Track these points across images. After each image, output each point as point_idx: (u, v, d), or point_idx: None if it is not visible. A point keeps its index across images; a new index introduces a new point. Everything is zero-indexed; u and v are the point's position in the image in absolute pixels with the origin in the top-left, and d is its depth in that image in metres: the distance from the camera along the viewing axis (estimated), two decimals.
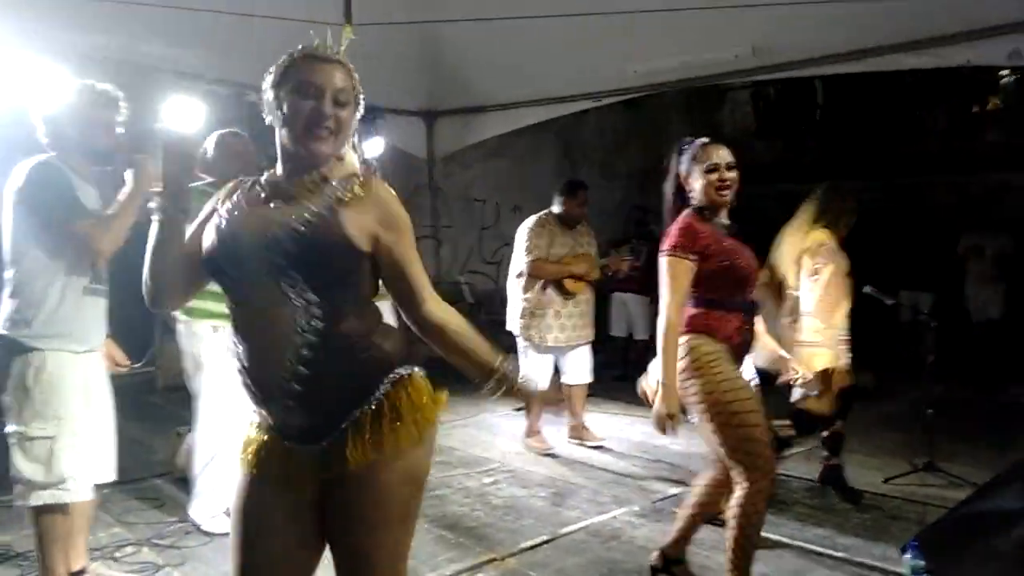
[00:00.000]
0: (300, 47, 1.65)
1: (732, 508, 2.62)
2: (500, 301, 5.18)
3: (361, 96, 1.69)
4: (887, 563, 3.17)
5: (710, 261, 2.62)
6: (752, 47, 4.72)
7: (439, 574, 3.06)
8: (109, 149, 2.67)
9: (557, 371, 5.01)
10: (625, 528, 3.58)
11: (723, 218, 2.76)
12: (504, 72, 5.95)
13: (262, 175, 1.73)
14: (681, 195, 2.79)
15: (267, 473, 1.65)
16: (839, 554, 3.28)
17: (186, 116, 4.56)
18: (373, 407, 1.62)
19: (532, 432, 4.95)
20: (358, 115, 1.70)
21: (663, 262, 2.65)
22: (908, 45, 4.34)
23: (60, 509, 2.61)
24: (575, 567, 3.16)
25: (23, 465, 2.57)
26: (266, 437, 1.67)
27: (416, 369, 1.72)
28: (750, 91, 10.19)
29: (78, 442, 2.61)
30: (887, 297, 4.43)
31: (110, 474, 2.80)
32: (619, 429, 5.37)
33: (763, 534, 3.37)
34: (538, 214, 4.96)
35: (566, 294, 4.85)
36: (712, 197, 2.70)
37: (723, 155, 2.73)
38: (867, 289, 4.28)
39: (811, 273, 3.71)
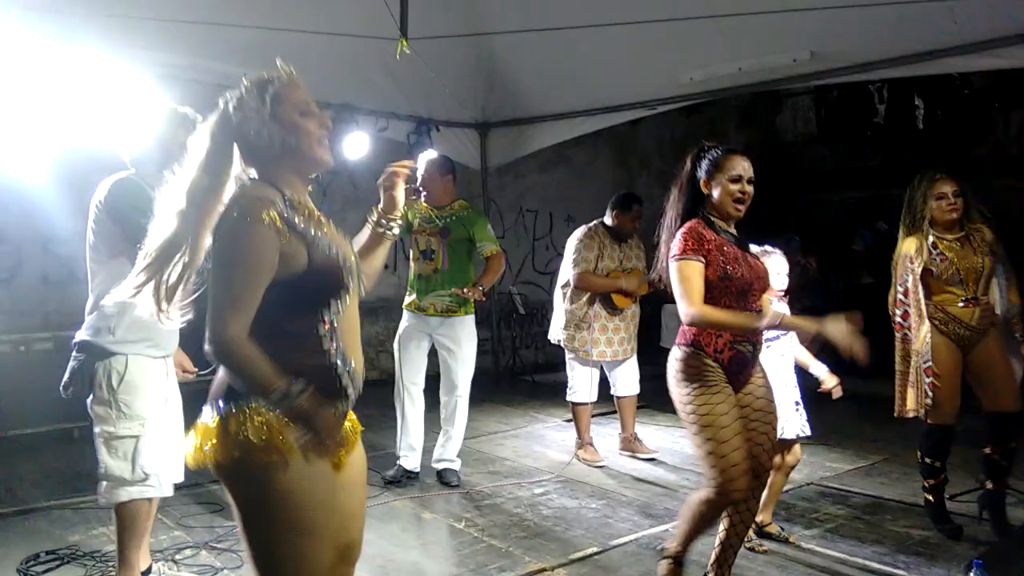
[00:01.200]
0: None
1: (689, 499, 2.74)
2: (553, 312, 5.17)
3: None
4: None
5: (709, 267, 2.62)
6: (811, 51, 4.61)
7: None
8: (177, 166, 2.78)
9: (604, 382, 4.98)
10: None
11: (731, 227, 2.76)
12: (557, 82, 5.96)
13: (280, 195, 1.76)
14: (694, 200, 2.76)
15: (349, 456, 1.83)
16: (899, 572, 3.16)
17: None
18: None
19: (584, 444, 4.90)
20: None
21: (673, 267, 2.64)
22: (974, 46, 4.18)
23: (143, 506, 2.75)
24: None
25: (110, 463, 2.71)
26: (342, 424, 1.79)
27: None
28: (811, 96, 9.98)
29: (158, 442, 2.74)
30: None
31: (179, 475, 2.90)
32: (671, 441, 5.30)
33: (821, 549, 3.35)
34: (588, 224, 4.91)
35: (613, 309, 4.79)
36: (728, 208, 2.71)
37: (746, 167, 2.72)
38: None
39: (901, 290, 3.56)
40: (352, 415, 1.87)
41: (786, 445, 3.34)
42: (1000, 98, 8.56)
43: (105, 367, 2.71)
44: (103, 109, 3.94)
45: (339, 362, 1.73)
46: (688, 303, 2.60)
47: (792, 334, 3.25)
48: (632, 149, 9.51)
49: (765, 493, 3.41)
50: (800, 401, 3.32)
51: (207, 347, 1.59)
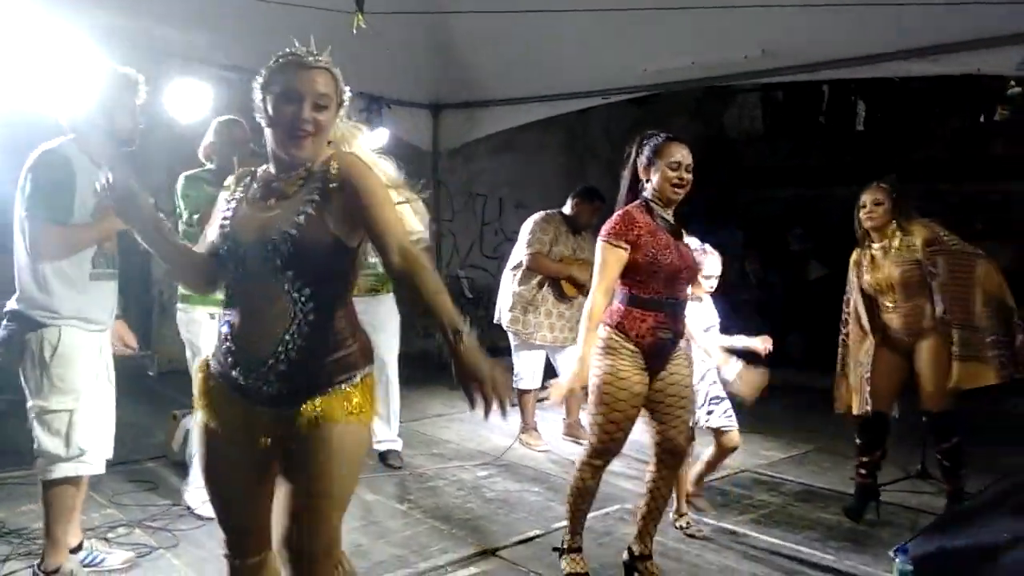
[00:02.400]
0: (288, 51, 1.78)
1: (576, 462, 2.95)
2: (499, 294, 5.17)
3: (346, 95, 1.86)
4: (877, 567, 3.17)
5: (638, 252, 2.73)
6: (762, 49, 4.70)
7: (432, 564, 3.07)
8: (131, 132, 2.69)
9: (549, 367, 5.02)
10: (617, 525, 3.58)
11: (668, 215, 2.85)
12: (513, 66, 5.93)
13: (260, 164, 1.90)
14: (635, 186, 2.88)
15: (230, 422, 1.82)
16: (828, 558, 3.27)
17: (193, 101, 4.57)
18: (334, 394, 1.77)
19: (527, 429, 4.94)
20: (341, 112, 1.86)
21: (598, 247, 2.79)
22: (918, 51, 4.32)
23: (74, 482, 2.67)
24: None
25: (44, 438, 2.62)
26: (228, 393, 1.82)
27: (369, 369, 1.87)
28: (759, 94, 10.18)
29: (93, 417, 2.65)
30: None
31: (109, 452, 2.82)
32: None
33: (755, 534, 3.45)
34: (548, 211, 4.95)
35: (562, 296, 4.83)
36: (667, 193, 2.80)
37: (685, 155, 2.81)
38: None
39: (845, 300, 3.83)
40: (312, 410, 1.74)
41: (714, 433, 3.47)
42: (939, 103, 8.88)
43: (38, 338, 2.60)
44: (40, 70, 3.77)
45: (224, 332, 1.81)
46: (595, 287, 2.77)
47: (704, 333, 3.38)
48: (581, 137, 9.55)
49: (678, 482, 3.43)
50: (720, 396, 3.41)
51: None
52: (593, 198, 4.91)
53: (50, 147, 2.61)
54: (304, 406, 1.75)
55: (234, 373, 1.78)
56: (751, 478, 4.24)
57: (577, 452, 4.74)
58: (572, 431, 5.09)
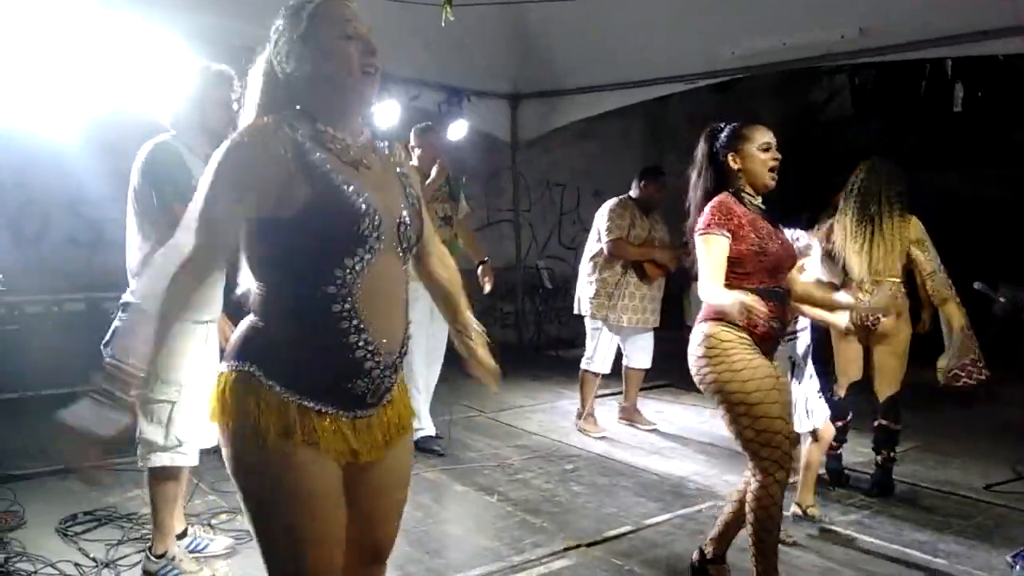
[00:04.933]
0: None
1: (749, 503, 2.55)
2: (578, 285, 5.15)
3: None
4: (992, 572, 3.01)
5: (741, 242, 2.53)
6: (859, 27, 4.49)
7: (524, 558, 3.05)
8: (226, 126, 2.74)
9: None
10: (710, 523, 3.49)
11: (760, 202, 2.68)
12: (592, 54, 5.86)
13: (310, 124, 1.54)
14: (718, 179, 2.68)
15: (328, 448, 1.52)
16: (940, 561, 3.12)
17: None
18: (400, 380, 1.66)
19: (585, 415, 4.96)
20: None
21: (698, 242, 2.56)
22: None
23: (173, 471, 2.75)
24: (660, 559, 3.10)
25: (144, 427, 2.72)
26: (319, 413, 1.51)
27: None
28: (847, 74, 9.77)
29: (193, 408, 2.72)
30: (998, 294, 4.19)
31: (208, 442, 2.89)
32: (700, 421, 5.26)
33: (858, 535, 3.31)
34: (619, 197, 4.96)
35: (644, 278, 4.83)
36: (764, 178, 2.63)
37: (771, 135, 2.67)
38: (977, 285, 4.06)
39: None
40: (401, 405, 1.65)
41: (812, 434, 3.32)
42: None
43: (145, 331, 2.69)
44: (136, 71, 3.91)
45: (352, 331, 1.48)
46: (705, 280, 2.51)
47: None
48: (662, 124, 9.35)
49: (803, 474, 3.40)
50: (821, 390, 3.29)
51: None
52: (658, 176, 4.93)
53: (159, 141, 2.71)
54: (390, 406, 1.62)
55: (360, 380, 1.51)
56: (851, 476, 4.07)
57: (638, 438, 4.85)
58: (628, 415, 5.17)
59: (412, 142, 4.37)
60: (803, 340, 3.24)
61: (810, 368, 3.26)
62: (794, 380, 3.16)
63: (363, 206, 1.47)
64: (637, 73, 6.00)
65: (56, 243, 5.72)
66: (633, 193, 4.94)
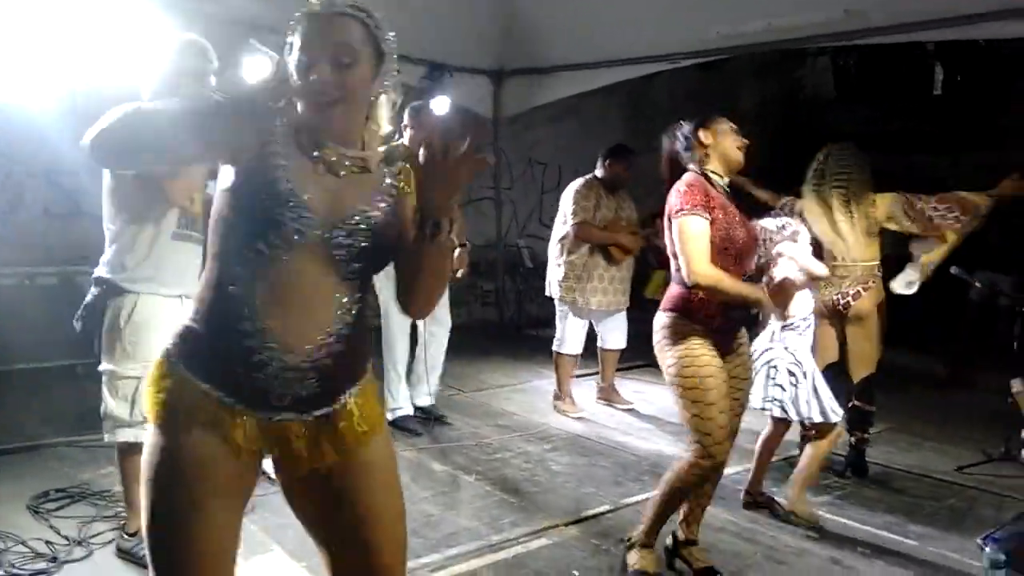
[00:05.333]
0: (308, 3, 1.47)
1: (670, 471, 2.68)
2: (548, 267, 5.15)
3: (387, 48, 1.50)
4: (963, 554, 3.06)
5: (712, 228, 2.52)
6: (845, 9, 4.46)
7: (504, 536, 3.06)
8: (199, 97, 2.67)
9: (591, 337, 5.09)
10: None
11: (726, 184, 2.69)
12: (577, 31, 5.78)
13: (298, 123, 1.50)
14: (698, 156, 2.67)
15: (214, 441, 1.44)
16: (911, 543, 3.17)
17: (262, 72, 4.57)
18: (361, 385, 1.56)
19: (563, 396, 4.98)
20: (382, 70, 1.51)
21: (677, 225, 2.52)
22: (1017, 12, 4.04)
23: (141, 449, 2.69)
24: None
25: (110, 402, 2.69)
26: (209, 400, 1.44)
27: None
28: (829, 56, 9.77)
29: None
30: (974, 279, 4.23)
31: None
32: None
33: (831, 516, 3.35)
34: (584, 177, 4.94)
35: (611, 260, 4.84)
36: (734, 156, 2.65)
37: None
38: (953, 270, 4.10)
39: None
40: (355, 420, 1.51)
41: (819, 427, 3.26)
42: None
43: (116, 304, 2.66)
44: (114, 42, 3.81)
45: (246, 320, 1.40)
46: (695, 264, 2.48)
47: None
48: (644, 102, 9.30)
49: (798, 474, 3.34)
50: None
51: (85, 146, 1.43)
52: (624, 154, 4.91)
53: None
54: (341, 414, 1.50)
55: (257, 374, 1.42)
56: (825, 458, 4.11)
57: (616, 418, 4.89)
58: (606, 395, 5.21)
59: (405, 121, 4.31)
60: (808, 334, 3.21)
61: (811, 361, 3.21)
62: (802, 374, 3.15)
63: (287, 193, 1.41)
64: (622, 51, 5.93)
65: (31, 214, 5.61)
66: (599, 173, 4.92)
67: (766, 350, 3.20)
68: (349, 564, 1.58)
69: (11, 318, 4.80)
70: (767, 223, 3.09)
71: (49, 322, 4.03)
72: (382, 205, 1.51)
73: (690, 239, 2.50)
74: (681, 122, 2.75)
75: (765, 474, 3.49)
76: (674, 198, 2.57)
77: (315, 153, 1.47)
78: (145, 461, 1.48)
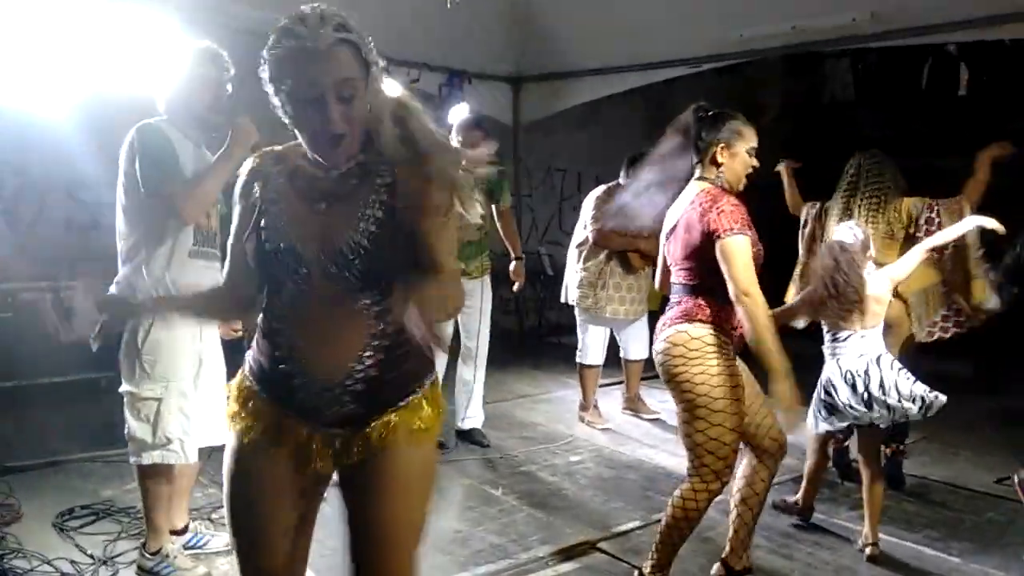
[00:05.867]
0: (283, 28, 1.40)
1: (674, 499, 2.59)
2: (566, 273, 5.09)
3: (372, 58, 1.46)
4: (1007, 571, 2.97)
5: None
6: (871, 11, 4.39)
7: (532, 555, 3.00)
8: (213, 106, 2.63)
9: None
10: (720, 517, 3.43)
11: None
12: (596, 35, 5.74)
13: (298, 156, 1.56)
14: (715, 167, 2.59)
15: (277, 442, 1.58)
16: (953, 560, 3.07)
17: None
18: (412, 400, 1.59)
19: (588, 407, 4.91)
20: (375, 81, 1.48)
21: (732, 245, 2.42)
22: None
23: (164, 470, 2.67)
24: None
25: (132, 423, 2.65)
26: (279, 410, 1.58)
27: (433, 375, 1.68)
28: (850, 58, 9.63)
29: (186, 405, 2.65)
30: (1013, 287, 4.12)
31: (207, 440, 2.82)
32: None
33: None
34: (606, 184, 4.88)
35: (629, 268, 4.75)
36: (740, 181, 2.62)
37: (756, 140, 2.62)
38: (992, 276, 3.99)
39: None
40: (386, 423, 1.55)
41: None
42: None
43: (133, 324, 2.60)
44: (133, 53, 3.81)
45: (281, 349, 1.54)
46: (750, 285, 2.42)
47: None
48: (665, 108, 9.16)
49: (868, 508, 3.15)
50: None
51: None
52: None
53: (144, 123, 2.60)
54: (375, 425, 1.54)
55: (300, 395, 1.54)
56: (858, 471, 4.01)
57: (642, 428, 4.81)
58: (632, 405, 5.13)
59: (458, 136, 4.19)
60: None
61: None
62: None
63: (285, 245, 1.51)
64: (642, 56, 5.88)
65: (52, 228, 5.62)
66: (622, 180, 4.84)
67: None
68: (355, 553, 1.64)
69: (35, 332, 4.80)
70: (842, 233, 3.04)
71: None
72: (373, 225, 1.48)
73: (742, 258, 2.43)
74: (706, 111, 2.62)
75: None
76: (721, 217, 2.45)
77: (312, 187, 1.54)
78: (224, 466, 1.64)
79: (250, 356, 1.64)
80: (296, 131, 1.50)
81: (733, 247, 2.43)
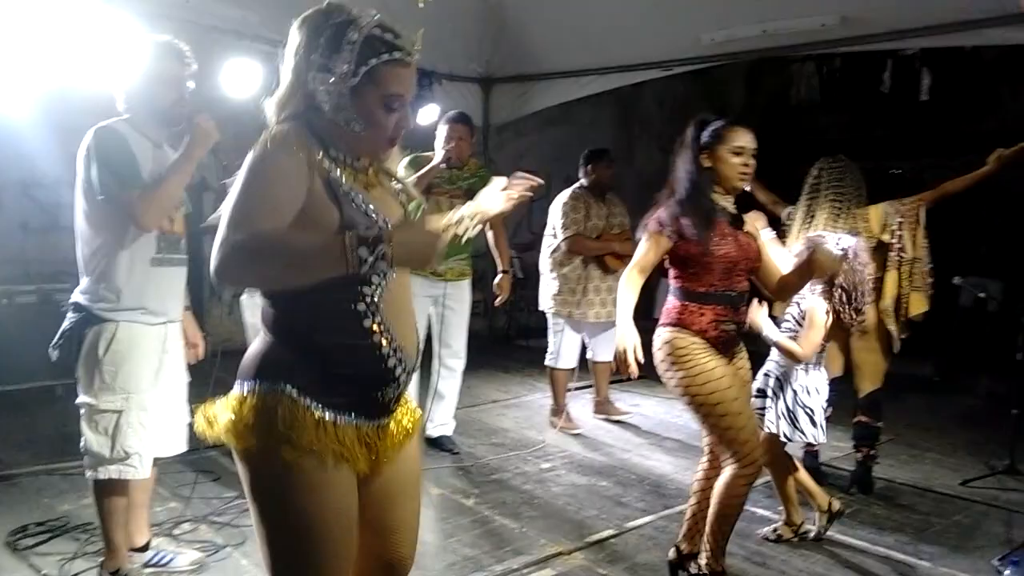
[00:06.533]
0: (377, 32, 1.46)
1: (717, 488, 2.66)
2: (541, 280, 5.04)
3: None
4: (976, 574, 2.99)
5: (689, 244, 2.57)
6: (841, 16, 4.42)
7: (506, 567, 2.94)
8: (175, 103, 2.52)
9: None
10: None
11: (729, 204, 2.68)
12: (567, 37, 5.72)
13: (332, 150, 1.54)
14: (699, 171, 2.64)
15: (355, 459, 1.54)
16: (924, 564, 3.09)
17: (242, 78, 4.44)
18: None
19: (559, 411, 4.89)
20: None
21: (641, 239, 2.67)
22: (1010, 19, 4.00)
23: (121, 486, 2.57)
24: (648, 565, 3.02)
25: (90, 437, 2.54)
26: (337, 424, 1.51)
27: None
28: (815, 62, 9.73)
29: (146, 418, 2.55)
30: (976, 288, 4.20)
31: (180, 446, 2.74)
32: (675, 416, 5.18)
33: (841, 536, 3.27)
34: (570, 188, 4.85)
35: (606, 269, 4.74)
36: (733, 180, 2.63)
37: (749, 140, 2.64)
38: (957, 280, 4.05)
39: None
40: (409, 408, 1.69)
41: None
42: (1010, 72, 8.40)
43: (95, 333, 2.50)
44: (91, 49, 3.68)
45: (384, 342, 1.52)
46: (630, 266, 2.67)
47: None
48: (634, 110, 9.25)
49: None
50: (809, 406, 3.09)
51: (213, 278, 1.37)
52: (603, 157, 4.87)
53: (101, 126, 2.49)
54: (407, 406, 1.69)
55: (389, 387, 1.56)
56: (829, 473, 4.04)
57: (613, 433, 4.79)
58: (602, 408, 5.13)
59: (446, 132, 4.10)
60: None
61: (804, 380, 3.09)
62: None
63: (386, 225, 1.50)
64: (613, 58, 5.87)
65: (8, 229, 5.43)
66: (584, 181, 4.84)
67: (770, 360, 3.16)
68: (366, 551, 1.65)
69: None
70: (829, 237, 3.03)
71: (29, 342, 3.87)
72: (399, 206, 1.66)
73: (638, 248, 2.67)
74: (705, 122, 2.68)
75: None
76: (654, 216, 2.66)
77: (365, 171, 1.61)
78: (272, 502, 1.53)
79: (287, 365, 1.50)
80: (361, 131, 1.51)
81: (642, 239, 2.67)
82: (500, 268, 4.36)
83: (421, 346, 1.62)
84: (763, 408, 3.11)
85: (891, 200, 3.78)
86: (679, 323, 2.61)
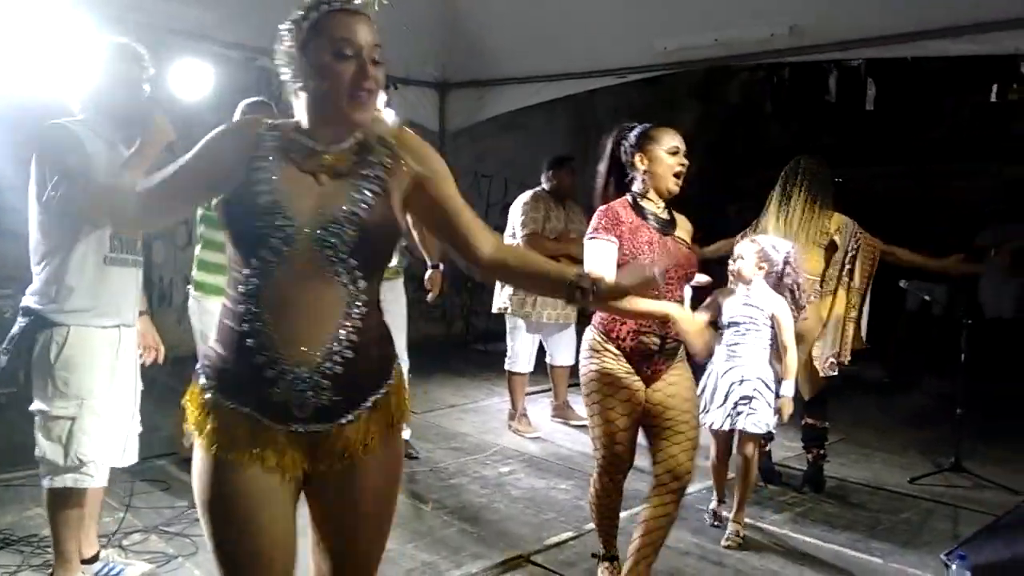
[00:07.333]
0: None
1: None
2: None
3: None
4: (924, 570, 3.07)
5: (620, 251, 2.53)
6: (790, 26, 4.51)
7: (465, 571, 2.92)
8: (130, 105, 2.47)
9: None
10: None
11: (662, 211, 2.63)
12: (524, 43, 5.72)
13: (291, 130, 1.54)
14: (619, 179, 2.66)
15: (254, 454, 1.49)
16: (876, 561, 3.16)
17: (194, 80, 4.36)
18: (385, 392, 1.57)
19: (517, 415, 4.89)
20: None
21: (586, 247, 2.58)
22: (955, 30, 4.14)
23: (76, 495, 2.50)
24: None
25: (44, 444, 2.46)
26: (247, 416, 1.48)
27: (397, 361, 1.66)
28: (764, 72, 9.95)
29: (100, 424, 2.48)
30: (927, 294, 4.33)
31: (132, 457, 2.68)
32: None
33: (794, 534, 3.33)
34: (532, 190, 4.90)
35: None
36: (667, 184, 2.59)
37: (680, 140, 2.63)
38: (904, 283, 4.16)
39: None
40: (375, 424, 1.54)
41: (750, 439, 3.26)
42: (952, 82, 8.70)
43: (46, 337, 2.43)
44: (42, 50, 3.57)
45: (251, 337, 1.43)
46: None
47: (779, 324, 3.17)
48: (589, 116, 9.30)
49: (738, 492, 3.29)
50: (749, 396, 3.17)
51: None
52: (566, 164, 4.93)
53: (51, 123, 2.42)
54: (353, 427, 1.51)
55: (273, 389, 1.43)
56: (782, 472, 4.11)
57: (571, 436, 4.80)
58: (560, 413, 5.15)
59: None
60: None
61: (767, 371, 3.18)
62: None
63: (269, 204, 1.44)
64: (567, 65, 5.89)
65: None
66: (545, 185, 4.89)
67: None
68: (326, 548, 1.62)
69: None
70: (763, 240, 3.21)
71: None
72: (369, 197, 1.51)
73: (589, 259, 2.52)
74: (627, 128, 2.66)
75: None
76: (591, 222, 2.60)
77: (309, 160, 1.51)
78: (197, 487, 1.53)
79: (208, 356, 1.52)
80: (321, 93, 1.48)
81: (586, 247, 2.58)
82: (430, 263, 4.29)
83: (349, 354, 1.46)
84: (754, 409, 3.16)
85: (852, 219, 3.82)
86: (601, 328, 2.62)
